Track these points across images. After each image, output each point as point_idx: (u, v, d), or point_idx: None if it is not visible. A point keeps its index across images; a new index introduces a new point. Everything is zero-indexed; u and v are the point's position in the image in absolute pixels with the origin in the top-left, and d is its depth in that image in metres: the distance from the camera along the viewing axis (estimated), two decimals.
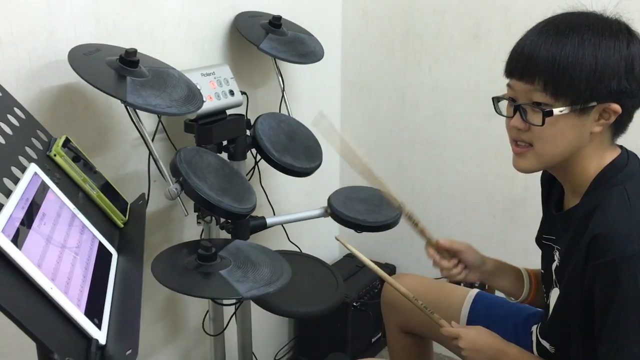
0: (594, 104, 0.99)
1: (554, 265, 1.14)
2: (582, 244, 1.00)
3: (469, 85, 1.98)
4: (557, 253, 1.12)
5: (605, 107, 0.99)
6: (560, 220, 1.13)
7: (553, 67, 0.97)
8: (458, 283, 2.00)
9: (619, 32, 0.98)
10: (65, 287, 0.82)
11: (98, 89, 1.15)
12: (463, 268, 1.29)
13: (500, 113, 1.11)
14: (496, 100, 1.11)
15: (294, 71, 1.95)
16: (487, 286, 2.03)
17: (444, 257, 1.28)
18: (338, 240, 1.37)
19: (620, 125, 1.04)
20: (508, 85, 1.06)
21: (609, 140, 1.05)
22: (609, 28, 0.98)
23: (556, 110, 0.99)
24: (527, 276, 1.31)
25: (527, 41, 1.01)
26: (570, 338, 1.09)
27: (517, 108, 1.04)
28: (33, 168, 0.93)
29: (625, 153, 1.08)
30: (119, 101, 1.17)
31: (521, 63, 1.01)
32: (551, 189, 1.22)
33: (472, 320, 1.39)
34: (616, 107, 0.99)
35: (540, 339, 1.19)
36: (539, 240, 1.24)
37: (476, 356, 1.21)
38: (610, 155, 1.06)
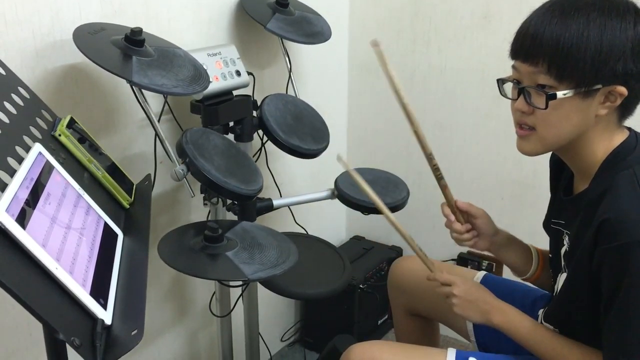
0: (599, 86, 0.97)
1: (562, 250, 1.13)
2: (591, 228, 0.98)
3: (479, 67, 1.95)
4: (567, 238, 1.11)
5: (611, 90, 0.98)
6: (569, 205, 1.12)
7: (557, 49, 0.96)
8: (465, 263, 2.00)
9: (626, 12, 0.96)
10: (71, 267, 0.82)
11: (103, 68, 1.14)
12: (475, 235, 1.27)
13: (505, 95, 1.09)
14: (501, 82, 1.09)
15: (301, 51, 1.93)
16: (494, 268, 2.03)
17: (459, 220, 1.26)
18: (340, 161, 1.25)
19: (627, 108, 1.02)
20: (513, 66, 1.05)
21: (615, 122, 1.04)
22: (615, 8, 0.96)
23: (560, 93, 0.97)
24: (536, 254, 1.30)
25: (532, 22, 1.00)
26: (575, 321, 1.09)
27: (521, 90, 1.02)
28: (37, 148, 0.92)
29: (634, 135, 1.06)
30: (125, 81, 1.16)
31: (525, 44, 1.00)
32: (560, 173, 1.21)
33: None
34: (622, 89, 0.97)
35: (544, 322, 1.18)
36: (546, 225, 1.23)
37: (468, 307, 1.20)
38: (618, 138, 1.04)
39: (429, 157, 1.20)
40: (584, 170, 1.08)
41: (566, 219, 1.14)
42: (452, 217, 1.26)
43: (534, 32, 0.98)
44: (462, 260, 2.11)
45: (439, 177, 1.22)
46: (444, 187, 1.24)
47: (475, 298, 1.20)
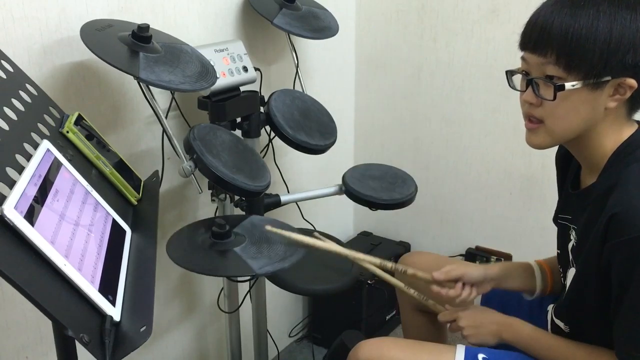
0: (608, 78, 0.96)
1: (570, 245, 1.12)
2: (600, 222, 0.98)
3: (487, 61, 1.94)
4: (574, 233, 1.11)
5: (621, 82, 0.96)
6: (576, 199, 1.11)
7: (566, 40, 0.95)
8: (474, 258, 2.00)
9: (637, 3, 0.95)
10: (79, 263, 0.82)
11: (110, 64, 1.14)
12: (471, 287, 1.26)
13: (513, 87, 1.09)
14: (510, 73, 1.09)
15: (308, 47, 1.93)
16: None
17: (449, 287, 1.25)
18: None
19: (636, 101, 1.01)
20: (522, 58, 1.04)
21: (625, 116, 1.03)
22: (626, 0, 0.95)
23: (568, 85, 0.97)
24: (539, 270, 1.29)
25: (542, 12, 0.99)
26: (585, 317, 1.08)
27: (529, 82, 1.02)
28: (45, 144, 0.92)
29: None
30: (132, 77, 1.16)
31: (534, 35, 0.99)
32: (567, 167, 1.20)
33: (486, 301, 1.38)
34: (632, 82, 0.96)
35: (555, 318, 1.17)
36: (555, 220, 1.23)
37: (478, 333, 1.20)
38: (628, 132, 1.03)
39: (382, 267, 1.32)
40: (592, 164, 1.07)
41: (573, 213, 1.13)
42: (444, 291, 1.25)
43: (543, 23, 0.98)
44: (471, 255, 2.10)
45: (403, 272, 1.30)
46: (412, 277, 1.29)
47: (480, 322, 1.20)
